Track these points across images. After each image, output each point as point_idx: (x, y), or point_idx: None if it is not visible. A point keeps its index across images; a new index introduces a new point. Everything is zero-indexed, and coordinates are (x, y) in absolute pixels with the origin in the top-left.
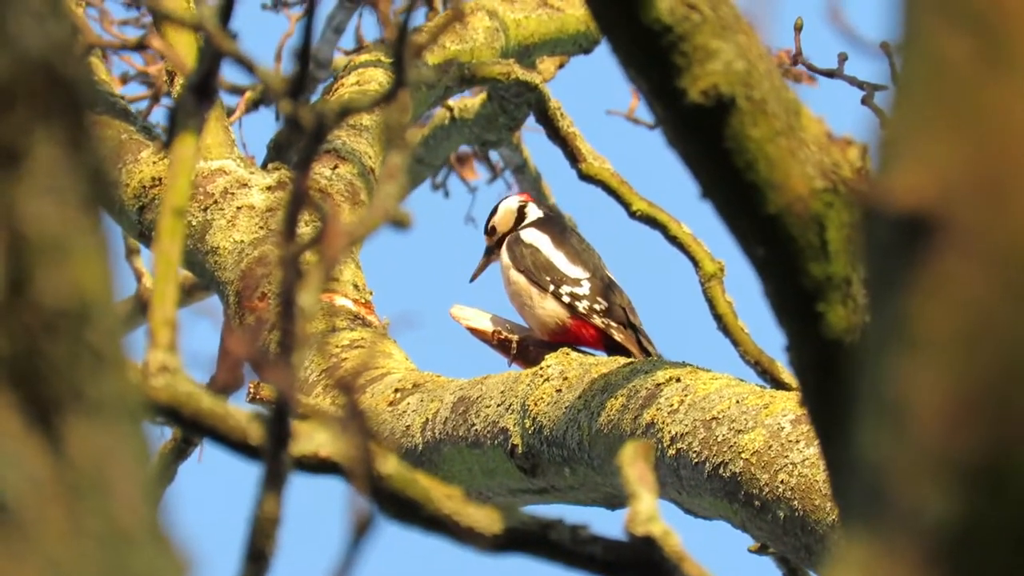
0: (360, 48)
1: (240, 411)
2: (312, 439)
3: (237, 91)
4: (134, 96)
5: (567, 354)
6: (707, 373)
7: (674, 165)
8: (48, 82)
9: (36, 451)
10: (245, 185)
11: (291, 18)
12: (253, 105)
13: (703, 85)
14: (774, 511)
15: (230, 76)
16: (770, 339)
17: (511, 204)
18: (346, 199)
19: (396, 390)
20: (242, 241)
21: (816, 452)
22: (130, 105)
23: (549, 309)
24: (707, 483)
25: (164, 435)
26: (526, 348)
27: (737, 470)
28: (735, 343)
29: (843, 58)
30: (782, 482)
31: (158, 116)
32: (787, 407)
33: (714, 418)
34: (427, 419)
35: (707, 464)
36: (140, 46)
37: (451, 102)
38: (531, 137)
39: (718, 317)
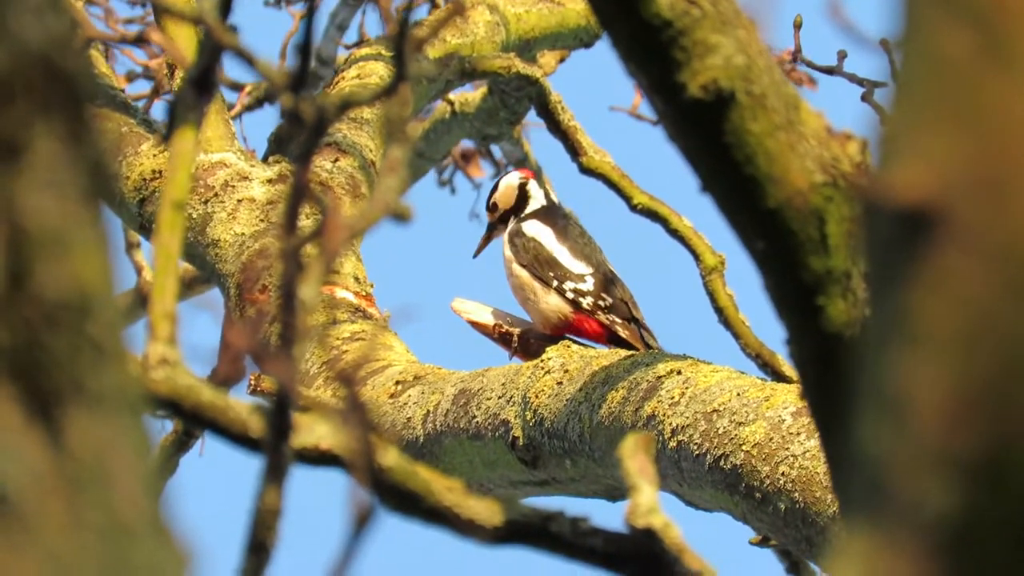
0: (361, 42)
1: (241, 403)
2: (313, 431)
3: (237, 87)
4: (139, 94)
5: (568, 346)
6: (708, 366)
7: (675, 159)
8: (48, 76)
9: (37, 444)
10: (246, 178)
11: (295, 16)
12: (257, 102)
13: (703, 80)
14: (775, 503)
15: (231, 71)
16: (771, 332)
17: (512, 180)
18: (347, 192)
19: (397, 382)
20: (243, 234)
21: (817, 444)
22: (132, 99)
23: (552, 305)
24: (708, 475)
25: (165, 428)
26: (527, 341)
27: (738, 462)
28: (736, 336)
29: (842, 56)
30: (783, 474)
31: (158, 110)
32: (788, 400)
33: (715, 410)
34: (428, 411)
35: (708, 456)
36: (140, 40)
37: (452, 96)
38: (532, 132)
39: (719, 310)
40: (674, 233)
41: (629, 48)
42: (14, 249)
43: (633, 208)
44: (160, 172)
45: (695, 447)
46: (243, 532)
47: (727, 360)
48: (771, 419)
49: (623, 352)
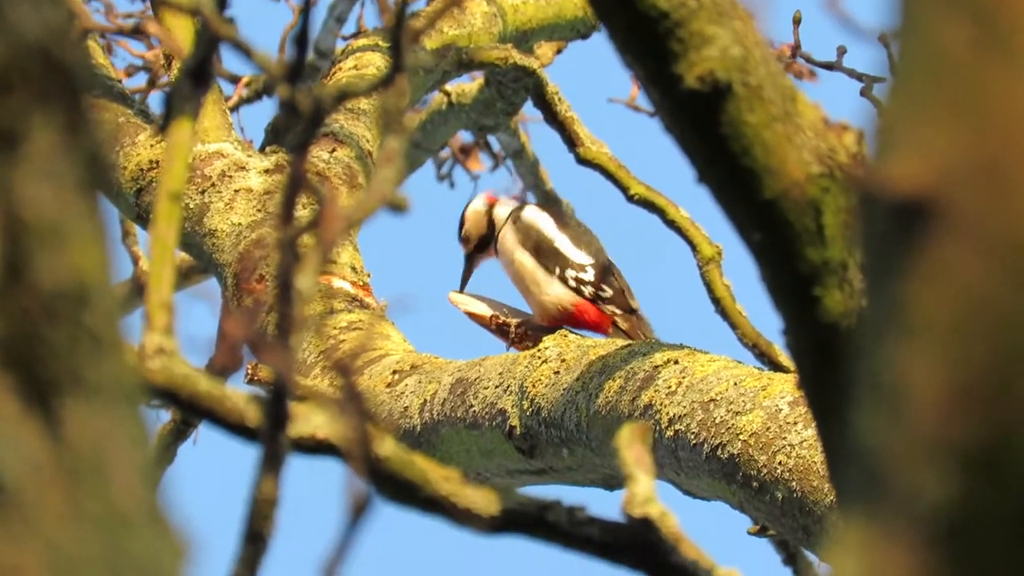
0: (359, 33)
1: (238, 393)
2: (310, 421)
3: (234, 80)
4: (138, 88)
5: (565, 336)
6: (705, 355)
7: (672, 150)
8: (45, 67)
9: (34, 434)
10: (243, 168)
11: (294, 10)
12: (255, 95)
13: (699, 71)
14: (772, 492)
15: (229, 63)
16: (768, 322)
17: (478, 206)
18: (344, 182)
19: (394, 371)
20: (240, 223)
21: (813, 434)
22: (129, 90)
23: (553, 295)
24: (705, 464)
25: (162, 418)
26: (524, 333)
27: (735, 451)
28: (733, 326)
29: (842, 51)
30: (780, 463)
31: (156, 100)
32: (785, 389)
33: (712, 400)
34: (425, 400)
35: (705, 445)
36: (137, 31)
37: (449, 87)
38: (529, 124)
39: (716, 300)
40: (671, 224)
41: (626, 39)
42: (12, 239)
43: (630, 199)
44: (157, 162)
45: (692, 436)
46: (240, 521)
47: (724, 350)
48: (768, 408)
49: (620, 342)
